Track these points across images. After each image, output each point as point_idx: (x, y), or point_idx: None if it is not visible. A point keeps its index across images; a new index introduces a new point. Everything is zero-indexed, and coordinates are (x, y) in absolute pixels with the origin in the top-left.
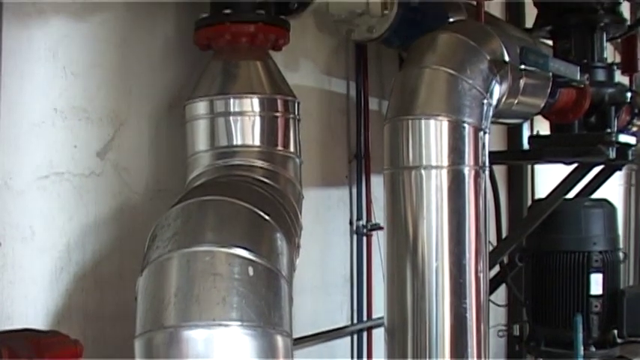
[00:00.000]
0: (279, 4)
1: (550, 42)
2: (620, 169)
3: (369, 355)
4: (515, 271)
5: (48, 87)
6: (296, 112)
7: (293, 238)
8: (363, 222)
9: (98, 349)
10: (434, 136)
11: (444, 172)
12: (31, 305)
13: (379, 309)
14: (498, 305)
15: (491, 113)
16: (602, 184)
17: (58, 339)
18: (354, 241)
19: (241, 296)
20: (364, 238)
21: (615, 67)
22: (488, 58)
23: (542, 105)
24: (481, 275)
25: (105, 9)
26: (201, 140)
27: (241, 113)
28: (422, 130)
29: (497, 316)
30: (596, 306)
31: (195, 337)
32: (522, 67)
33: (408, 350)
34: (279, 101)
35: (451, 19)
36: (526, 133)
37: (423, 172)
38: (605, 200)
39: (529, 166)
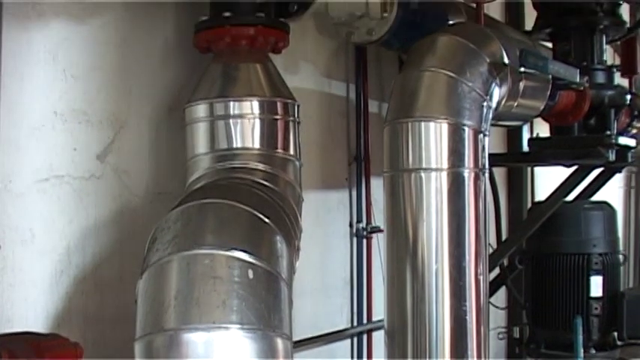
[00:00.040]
0: (279, 7)
1: (550, 44)
2: (620, 172)
3: (369, 358)
4: (515, 274)
5: (48, 90)
6: (296, 115)
7: (293, 240)
8: (363, 224)
9: (98, 351)
10: (434, 139)
11: (444, 175)
12: (31, 308)
13: (379, 311)
14: (498, 308)
15: (490, 116)
16: (601, 186)
17: (58, 342)
18: (354, 244)
19: (241, 299)
20: (364, 241)
21: (615, 70)
22: (488, 60)
23: (542, 107)
24: (481, 277)
25: (104, 11)
26: (201, 143)
27: (241, 116)
28: (422, 133)
29: (497, 318)
30: (596, 308)
31: (195, 339)
32: (522, 69)
33: (408, 353)
34: (278, 104)
35: (451, 22)
36: (526, 136)
37: (422, 174)
38: (605, 202)
39: (529, 169)
